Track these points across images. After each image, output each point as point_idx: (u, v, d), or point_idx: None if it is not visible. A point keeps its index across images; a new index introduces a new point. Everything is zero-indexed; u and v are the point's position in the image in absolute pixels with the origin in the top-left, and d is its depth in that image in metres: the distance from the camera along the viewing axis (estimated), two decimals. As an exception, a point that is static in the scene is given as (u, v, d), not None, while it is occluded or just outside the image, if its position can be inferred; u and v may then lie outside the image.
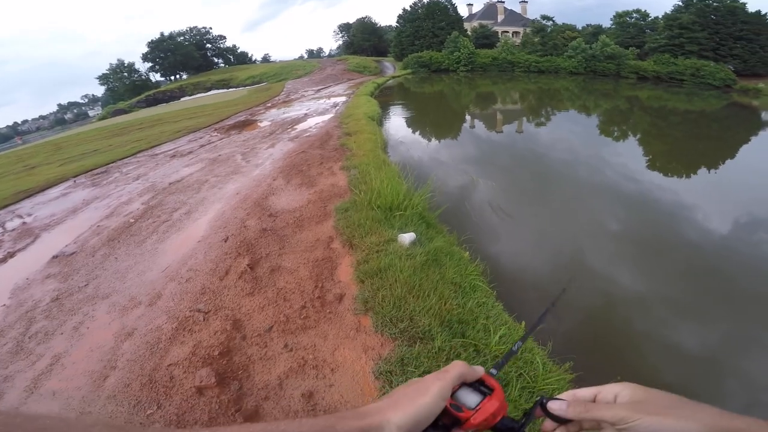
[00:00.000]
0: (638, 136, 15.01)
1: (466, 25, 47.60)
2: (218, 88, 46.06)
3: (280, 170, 6.91)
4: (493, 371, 0.65)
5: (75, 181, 9.41)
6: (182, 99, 43.62)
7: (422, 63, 40.40)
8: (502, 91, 29.87)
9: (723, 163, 11.10)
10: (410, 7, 46.50)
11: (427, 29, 44.11)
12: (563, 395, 0.58)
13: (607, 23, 43.13)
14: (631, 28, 39.82)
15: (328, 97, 22.95)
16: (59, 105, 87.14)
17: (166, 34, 59.85)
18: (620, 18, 40.65)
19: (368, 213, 4.58)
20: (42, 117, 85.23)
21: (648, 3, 40.43)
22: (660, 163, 10.92)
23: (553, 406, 0.56)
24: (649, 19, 39.72)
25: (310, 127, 12.06)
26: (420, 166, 8.82)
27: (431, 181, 5.33)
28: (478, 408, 0.55)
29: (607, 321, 4.19)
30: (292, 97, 24.80)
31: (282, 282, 3.71)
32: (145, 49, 57.49)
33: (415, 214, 4.64)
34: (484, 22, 49.58)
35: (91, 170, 10.49)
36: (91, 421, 0.32)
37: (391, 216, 4.57)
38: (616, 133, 15.44)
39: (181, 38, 61.40)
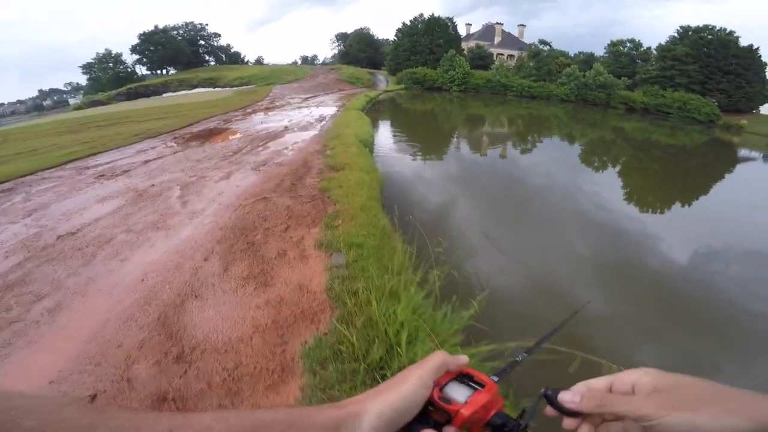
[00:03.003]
0: (618, 168, 14.88)
1: (463, 45, 45.86)
2: (205, 87, 42.78)
3: (221, 237, 4.30)
4: (494, 378, 0.55)
5: None
6: (164, 95, 40.17)
7: (416, 79, 38.22)
8: (493, 114, 28.03)
9: (696, 200, 11.19)
10: (410, 21, 44.29)
11: (425, 45, 42.06)
12: (576, 386, 0.49)
13: (598, 52, 42.33)
14: (624, 57, 38.95)
15: (316, 106, 20.37)
16: (40, 90, 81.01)
17: (161, 26, 56.16)
18: (614, 47, 39.72)
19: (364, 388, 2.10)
20: (20, 101, 79.08)
21: (637, 34, 40.16)
22: (643, 201, 10.45)
23: (565, 397, 0.47)
24: (642, 49, 38.86)
25: (286, 149, 9.49)
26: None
27: (480, 302, 2.84)
28: (467, 401, 0.49)
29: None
30: (277, 103, 22.08)
31: None
32: (135, 41, 53.80)
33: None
34: (481, 42, 48.06)
35: (1, 183, 7.84)
36: (63, 400, 0.31)
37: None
38: (598, 164, 15.30)
39: (175, 32, 57.71)
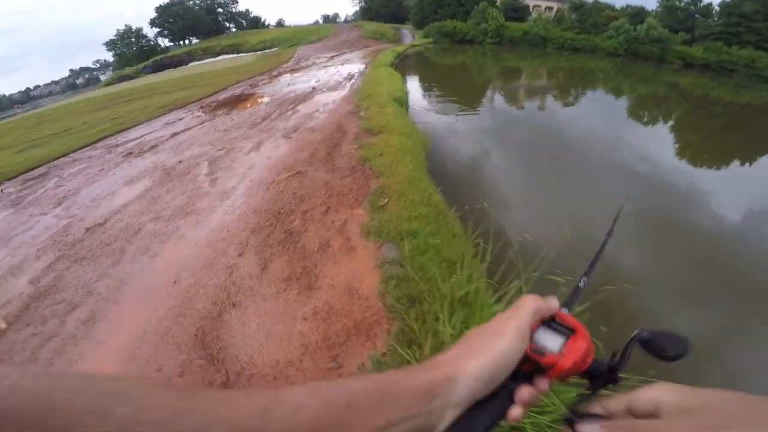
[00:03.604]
0: (672, 124, 13.21)
1: (495, -3, 41.88)
2: (228, 53, 41.85)
3: (255, 224, 3.68)
4: (564, 310, 0.49)
5: (2, 191, 6.78)
6: (190, 64, 39.66)
7: (445, 32, 35.46)
8: (531, 67, 25.63)
9: (759, 158, 9.74)
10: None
11: (453, -2, 38.70)
12: (593, 409, 0.42)
13: (649, 5, 37.61)
14: (680, 12, 34.46)
15: (342, 64, 19.12)
16: (71, 70, 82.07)
17: None
18: (668, 1, 35.20)
19: None
20: (54, 82, 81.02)
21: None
22: (702, 159, 9.29)
23: (584, 430, 0.40)
24: (701, 4, 34.35)
25: (316, 111, 8.71)
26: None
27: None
28: (564, 351, 0.43)
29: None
30: (302, 64, 20.96)
31: None
32: (153, 15, 53.30)
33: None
34: (516, -6, 43.73)
35: (35, 168, 7.77)
36: (154, 383, 0.30)
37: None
38: (650, 120, 13.63)
39: (191, 2, 56.44)
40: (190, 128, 8.66)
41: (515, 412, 0.41)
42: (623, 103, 16.54)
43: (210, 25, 57.21)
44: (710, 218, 5.89)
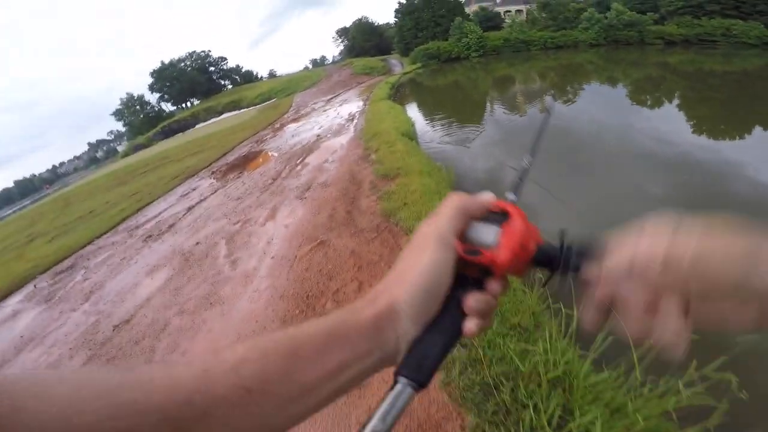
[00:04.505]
0: (678, 102, 12.62)
1: (466, 10, 42.68)
2: (229, 110, 43.08)
3: (284, 312, 3.28)
4: (512, 196, 0.46)
5: (36, 287, 6.76)
6: (196, 126, 40.93)
7: (430, 55, 35.94)
8: (521, 72, 25.53)
9: None
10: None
11: (428, 19, 39.43)
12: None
13: None
14: None
15: (340, 105, 19.30)
16: (89, 144, 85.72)
17: (167, 61, 56.86)
18: None
19: None
20: (76, 157, 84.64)
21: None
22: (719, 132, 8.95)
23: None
24: None
25: (326, 162, 8.53)
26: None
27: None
28: (499, 242, 0.37)
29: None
30: (302, 112, 21.23)
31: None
32: (150, 80, 55.06)
33: None
34: (483, 4, 44.66)
35: (64, 259, 7.81)
36: (94, 367, 0.32)
37: None
38: (654, 102, 13.13)
39: (182, 64, 58.26)
40: (204, 199, 8.58)
41: (469, 325, 0.36)
42: (622, 90, 16.19)
43: (206, 84, 58.92)
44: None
